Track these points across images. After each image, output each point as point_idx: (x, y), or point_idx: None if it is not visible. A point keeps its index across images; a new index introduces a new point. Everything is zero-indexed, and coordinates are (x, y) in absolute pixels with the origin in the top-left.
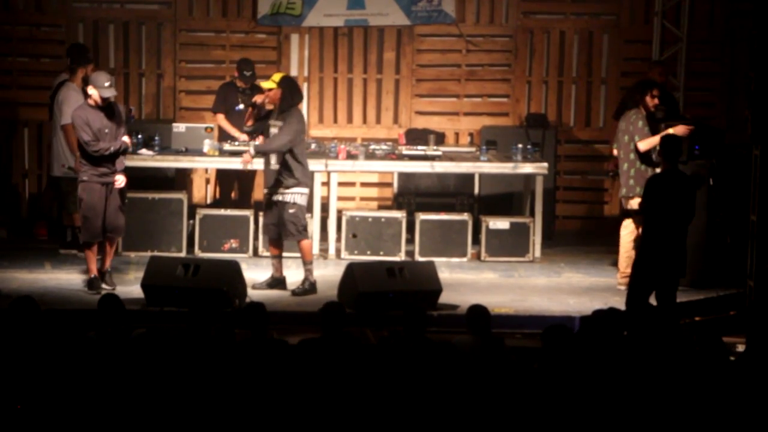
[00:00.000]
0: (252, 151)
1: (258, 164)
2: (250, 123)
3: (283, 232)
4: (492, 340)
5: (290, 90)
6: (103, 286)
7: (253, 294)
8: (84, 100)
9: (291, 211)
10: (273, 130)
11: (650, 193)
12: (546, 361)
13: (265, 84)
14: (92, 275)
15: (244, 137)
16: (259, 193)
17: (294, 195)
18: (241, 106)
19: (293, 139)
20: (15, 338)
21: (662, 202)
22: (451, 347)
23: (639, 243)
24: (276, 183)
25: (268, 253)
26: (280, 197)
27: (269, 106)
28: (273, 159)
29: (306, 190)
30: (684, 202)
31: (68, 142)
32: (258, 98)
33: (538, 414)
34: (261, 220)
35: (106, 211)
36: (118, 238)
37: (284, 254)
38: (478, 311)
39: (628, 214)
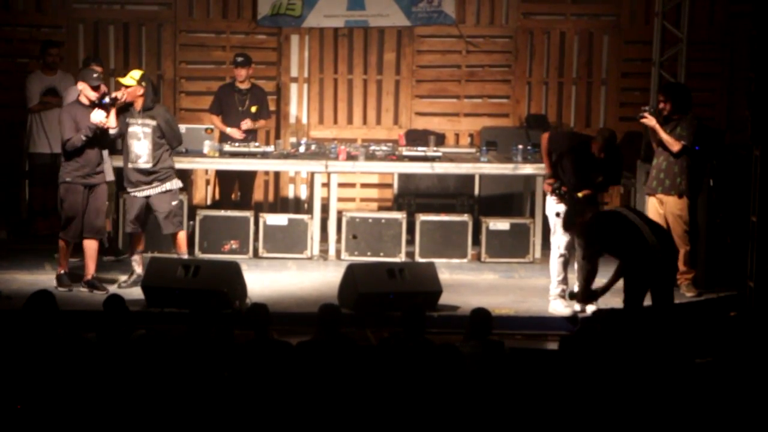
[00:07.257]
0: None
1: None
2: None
3: (164, 224)
4: (492, 344)
5: (152, 88)
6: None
7: (253, 295)
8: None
9: (174, 202)
10: (134, 129)
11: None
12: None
13: (124, 80)
14: (61, 271)
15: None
16: (259, 193)
17: (173, 184)
18: (107, 99)
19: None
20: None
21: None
22: (452, 349)
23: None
24: (153, 178)
25: (268, 255)
26: (160, 189)
27: (120, 103)
28: (166, 154)
29: (180, 184)
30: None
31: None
32: (117, 93)
33: (538, 414)
34: (127, 218)
35: (85, 212)
36: (98, 240)
37: (285, 255)
38: (481, 315)
39: None
